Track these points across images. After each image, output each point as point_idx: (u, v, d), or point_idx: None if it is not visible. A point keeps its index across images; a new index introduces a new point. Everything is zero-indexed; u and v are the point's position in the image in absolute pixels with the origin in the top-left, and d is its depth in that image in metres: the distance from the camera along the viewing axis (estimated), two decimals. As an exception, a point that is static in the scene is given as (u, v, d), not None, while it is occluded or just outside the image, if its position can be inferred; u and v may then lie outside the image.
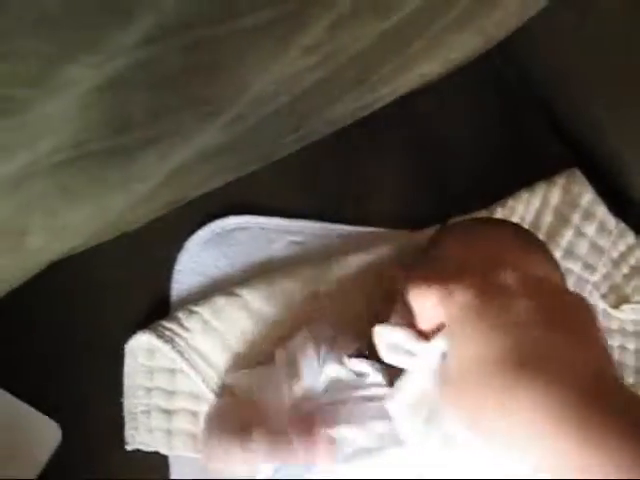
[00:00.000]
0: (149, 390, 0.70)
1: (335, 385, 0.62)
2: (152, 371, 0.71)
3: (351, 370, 0.62)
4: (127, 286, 0.73)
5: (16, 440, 0.65)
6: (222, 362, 0.71)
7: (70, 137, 0.39)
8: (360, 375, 0.62)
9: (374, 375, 0.62)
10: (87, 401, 0.70)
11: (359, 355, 0.64)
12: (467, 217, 0.79)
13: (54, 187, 0.44)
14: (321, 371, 0.63)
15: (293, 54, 0.47)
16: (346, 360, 0.63)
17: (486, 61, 0.82)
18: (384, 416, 0.58)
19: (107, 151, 0.42)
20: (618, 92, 0.81)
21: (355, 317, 0.72)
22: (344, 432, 0.58)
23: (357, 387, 0.61)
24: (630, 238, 0.85)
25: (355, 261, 0.77)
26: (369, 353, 0.64)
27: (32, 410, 0.66)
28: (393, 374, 0.61)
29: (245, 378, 0.68)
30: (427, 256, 0.67)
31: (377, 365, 0.62)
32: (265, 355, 0.70)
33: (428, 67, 0.63)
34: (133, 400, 0.70)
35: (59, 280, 0.69)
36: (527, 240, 0.69)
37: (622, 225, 0.86)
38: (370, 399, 0.60)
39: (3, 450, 0.63)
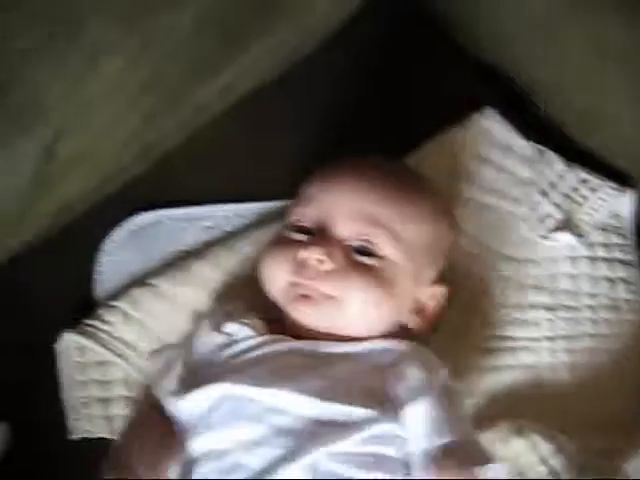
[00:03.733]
0: (84, 383, 0.76)
1: (213, 349, 0.70)
2: (85, 366, 0.77)
3: (224, 332, 0.70)
4: (54, 292, 0.80)
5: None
6: (148, 348, 0.77)
7: None
8: (231, 335, 0.70)
9: (241, 331, 0.69)
10: (31, 400, 0.76)
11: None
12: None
13: None
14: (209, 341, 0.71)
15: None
16: (222, 326, 0.71)
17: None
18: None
19: None
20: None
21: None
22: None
23: (228, 345, 0.69)
24: (559, 165, 0.84)
25: (266, 236, 0.81)
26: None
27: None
28: (274, 329, 0.70)
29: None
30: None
31: (247, 322, 0.70)
32: (186, 337, 0.76)
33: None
34: (71, 394, 0.76)
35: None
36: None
37: (549, 154, 0.85)
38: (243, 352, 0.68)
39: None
